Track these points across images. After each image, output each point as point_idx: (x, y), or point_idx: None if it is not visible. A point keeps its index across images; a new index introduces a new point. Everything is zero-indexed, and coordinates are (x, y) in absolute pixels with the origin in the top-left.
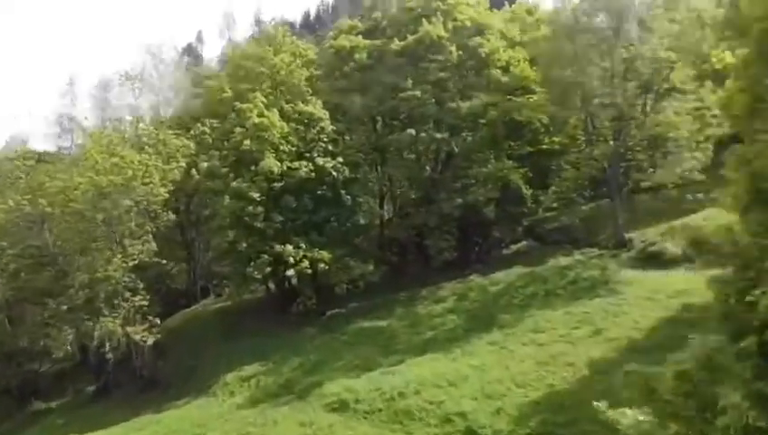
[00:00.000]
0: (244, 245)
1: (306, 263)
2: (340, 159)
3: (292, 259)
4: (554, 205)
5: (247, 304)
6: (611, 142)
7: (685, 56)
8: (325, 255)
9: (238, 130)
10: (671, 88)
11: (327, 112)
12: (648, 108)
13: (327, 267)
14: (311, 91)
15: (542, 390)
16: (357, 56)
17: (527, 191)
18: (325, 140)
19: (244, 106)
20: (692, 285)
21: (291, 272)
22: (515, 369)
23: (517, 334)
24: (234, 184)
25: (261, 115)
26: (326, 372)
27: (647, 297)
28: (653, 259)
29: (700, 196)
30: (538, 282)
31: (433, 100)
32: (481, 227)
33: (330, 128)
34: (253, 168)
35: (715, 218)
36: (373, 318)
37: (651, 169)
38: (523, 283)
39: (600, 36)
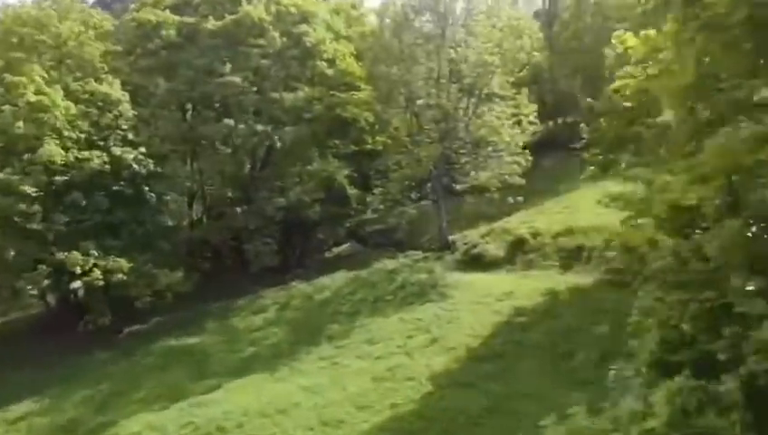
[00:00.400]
0: (13, 252)
1: (98, 273)
2: (143, 150)
3: (79, 269)
4: (381, 206)
5: (18, 324)
6: (437, 144)
7: (504, 63)
8: (123, 263)
9: (8, 108)
10: (492, 93)
11: (127, 95)
12: (470, 111)
13: (125, 277)
14: (106, 69)
15: (385, 412)
16: (164, 33)
17: (352, 192)
18: (124, 127)
19: (17, 79)
20: (516, 287)
21: (77, 284)
22: (352, 388)
23: (350, 347)
24: (0, 176)
25: (39, 92)
26: (122, 407)
27: (477, 301)
28: (475, 261)
29: (520, 199)
30: (366, 287)
31: (254, 88)
32: (304, 229)
33: (130, 113)
34: (27, 156)
35: (531, 221)
36: (182, 335)
37: (473, 172)
38: (351, 289)
39: (427, 36)
